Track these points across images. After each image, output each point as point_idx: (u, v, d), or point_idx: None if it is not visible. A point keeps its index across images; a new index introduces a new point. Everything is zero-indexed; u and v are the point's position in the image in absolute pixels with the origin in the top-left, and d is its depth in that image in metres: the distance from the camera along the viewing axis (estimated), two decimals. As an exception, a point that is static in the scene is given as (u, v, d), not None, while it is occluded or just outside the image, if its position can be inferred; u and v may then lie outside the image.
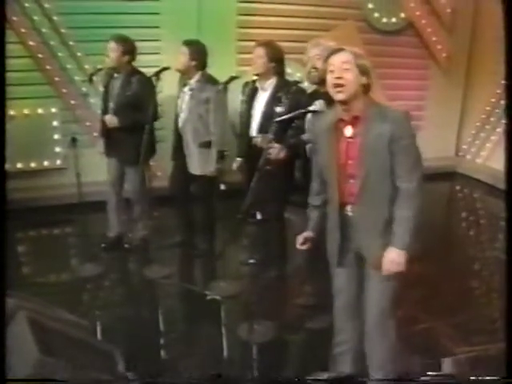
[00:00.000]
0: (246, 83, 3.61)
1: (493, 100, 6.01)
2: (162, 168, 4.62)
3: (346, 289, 2.30)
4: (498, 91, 5.88)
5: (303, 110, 2.30)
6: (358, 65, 2.03)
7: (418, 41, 5.87)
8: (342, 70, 2.02)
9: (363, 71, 2.04)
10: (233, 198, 2.90)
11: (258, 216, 2.83)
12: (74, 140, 3.60)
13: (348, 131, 2.08)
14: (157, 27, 4.94)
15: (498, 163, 5.77)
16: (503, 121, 5.89)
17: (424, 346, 2.82)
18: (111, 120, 3.73)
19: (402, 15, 5.73)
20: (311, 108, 2.26)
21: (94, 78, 3.85)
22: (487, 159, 6.21)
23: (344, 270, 2.27)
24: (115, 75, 3.78)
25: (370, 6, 5.60)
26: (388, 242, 2.11)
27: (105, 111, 3.82)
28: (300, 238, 2.29)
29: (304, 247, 2.28)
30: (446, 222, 5.29)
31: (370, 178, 2.09)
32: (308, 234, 2.30)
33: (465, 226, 5.25)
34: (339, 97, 2.03)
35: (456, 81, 6.19)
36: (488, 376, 2.46)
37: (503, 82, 5.52)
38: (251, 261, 2.60)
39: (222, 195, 3.72)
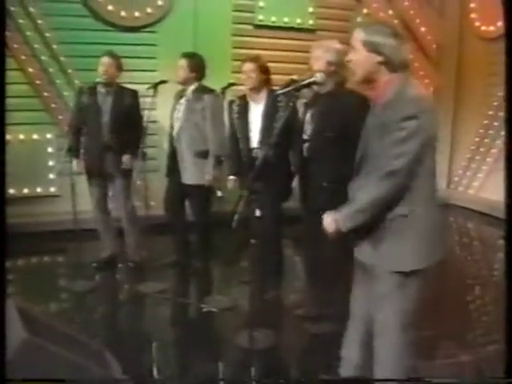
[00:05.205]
0: (232, 101, 3.66)
1: (481, 131, 6.16)
2: (155, 198, 4.55)
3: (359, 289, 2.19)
4: (486, 122, 6.05)
5: (304, 82, 2.31)
6: (366, 42, 1.89)
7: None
8: (352, 50, 1.94)
9: (373, 49, 1.88)
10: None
11: (258, 213, 2.79)
12: (70, 150, 3.58)
13: (373, 108, 2.03)
14: (154, 58, 5.09)
15: (491, 193, 5.89)
16: (493, 150, 6.03)
17: (426, 350, 2.72)
18: (128, 161, 3.78)
19: (390, 50, 5.96)
20: (311, 79, 2.28)
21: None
22: (479, 190, 6.27)
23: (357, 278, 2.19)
24: (102, 90, 3.79)
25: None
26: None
27: (96, 126, 3.76)
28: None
29: None
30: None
31: (366, 163, 2.00)
32: None
33: (462, 253, 5.21)
34: (353, 78, 1.99)
35: (444, 114, 6.34)
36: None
37: (496, 103, 5.69)
38: (252, 241, 2.54)
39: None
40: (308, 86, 2.35)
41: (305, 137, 2.89)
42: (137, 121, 3.76)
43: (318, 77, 2.29)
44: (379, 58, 1.90)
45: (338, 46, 2.77)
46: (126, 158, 3.77)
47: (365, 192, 1.94)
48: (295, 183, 3.35)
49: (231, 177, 3.69)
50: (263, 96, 3.47)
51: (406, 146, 1.84)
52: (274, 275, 3.50)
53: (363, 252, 2.07)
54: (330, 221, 2.02)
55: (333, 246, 2.72)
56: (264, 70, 3.44)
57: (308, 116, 2.88)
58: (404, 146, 1.84)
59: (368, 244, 2.02)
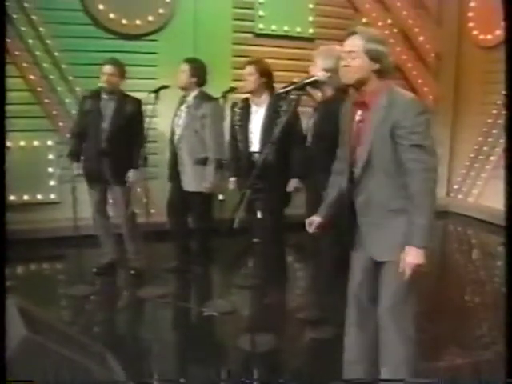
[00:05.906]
0: (235, 103, 3.66)
1: (480, 139, 6.18)
2: (155, 205, 4.54)
3: (357, 280, 2.18)
4: (485, 129, 6.08)
5: (306, 81, 2.31)
6: (368, 50, 1.94)
7: (405, 83, 6.07)
8: (349, 57, 1.96)
9: (374, 57, 1.94)
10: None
11: (259, 215, 2.79)
12: (71, 154, 3.59)
13: (358, 115, 2.04)
14: (154, 66, 5.13)
15: (490, 200, 5.89)
16: (492, 157, 6.05)
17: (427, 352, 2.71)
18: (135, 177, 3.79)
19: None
20: (314, 78, 2.28)
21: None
22: (479, 197, 6.28)
23: (358, 262, 2.17)
24: (105, 96, 3.78)
25: (358, 50, 5.88)
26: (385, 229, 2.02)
27: (96, 132, 3.73)
28: (310, 222, 2.20)
29: (311, 231, 2.20)
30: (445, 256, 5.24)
31: (371, 166, 2.01)
32: (316, 218, 2.20)
33: (462, 260, 5.20)
34: (344, 80, 2.01)
35: (443, 122, 6.37)
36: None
37: (494, 111, 5.73)
38: (255, 240, 2.53)
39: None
40: (310, 84, 2.35)
41: (307, 144, 2.90)
42: (138, 130, 3.75)
43: (320, 76, 2.30)
44: (376, 66, 1.94)
45: (339, 50, 2.76)
46: (131, 173, 3.78)
47: (415, 202, 1.92)
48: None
49: (232, 179, 3.68)
50: (265, 99, 3.47)
51: (427, 140, 1.92)
52: (276, 278, 3.48)
53: (372, 247, 2.08)
54: (414, 257, 1.91)
55: (334, 250, 2.74)
56: (264, 73, 3.43)
57: (310, 123, 2.90)
58: (426, 141, 1.91)
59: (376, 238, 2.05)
